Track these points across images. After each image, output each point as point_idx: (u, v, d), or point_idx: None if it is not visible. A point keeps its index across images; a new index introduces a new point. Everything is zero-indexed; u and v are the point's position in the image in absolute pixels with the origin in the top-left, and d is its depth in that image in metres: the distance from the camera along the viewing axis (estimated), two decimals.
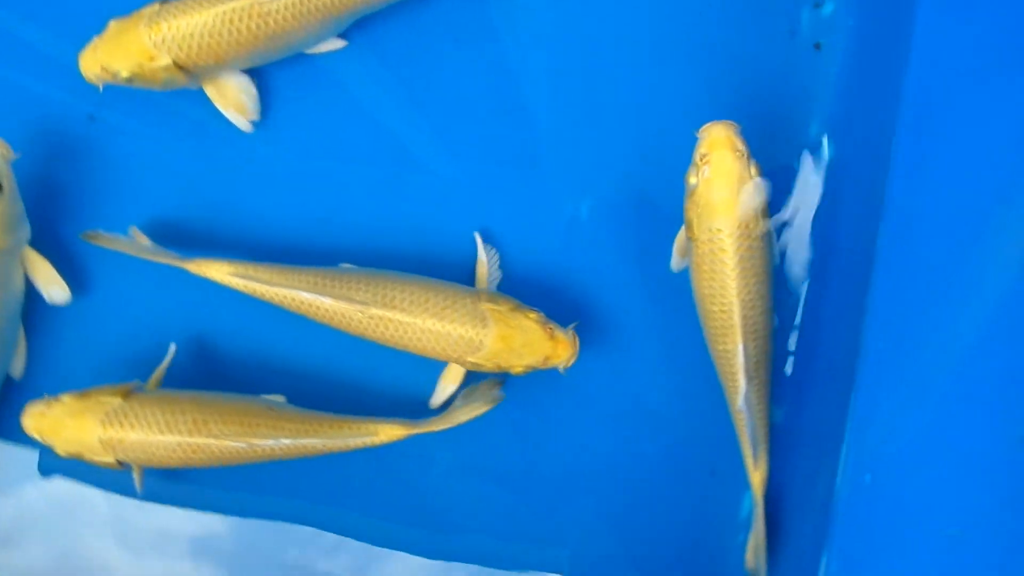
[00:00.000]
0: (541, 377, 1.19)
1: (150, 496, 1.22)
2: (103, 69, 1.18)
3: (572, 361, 1.13)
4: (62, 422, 1.12)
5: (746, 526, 1.18)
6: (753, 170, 1.03)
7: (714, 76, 1.22)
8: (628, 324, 1.22)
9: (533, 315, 1.13)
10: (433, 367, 1.20)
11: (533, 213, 1.24)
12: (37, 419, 1.13)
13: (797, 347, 1.17)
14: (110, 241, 1.21)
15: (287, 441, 1.13)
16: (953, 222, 0.98)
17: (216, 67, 1.20)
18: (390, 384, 1.24)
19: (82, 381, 1.19)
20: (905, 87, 1.06)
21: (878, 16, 1.18)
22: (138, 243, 1.21)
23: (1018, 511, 0.86)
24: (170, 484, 1.24)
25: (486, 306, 1.12)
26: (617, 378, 1.22)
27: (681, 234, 1.11)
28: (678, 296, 1.17)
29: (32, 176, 1.25)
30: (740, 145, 1.03)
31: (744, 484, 1.17)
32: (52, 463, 1.24)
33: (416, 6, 1.25)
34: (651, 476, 1.22)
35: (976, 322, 0.95)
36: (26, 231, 1.21)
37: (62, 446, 1.13)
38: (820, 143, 1.19)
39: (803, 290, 1.18)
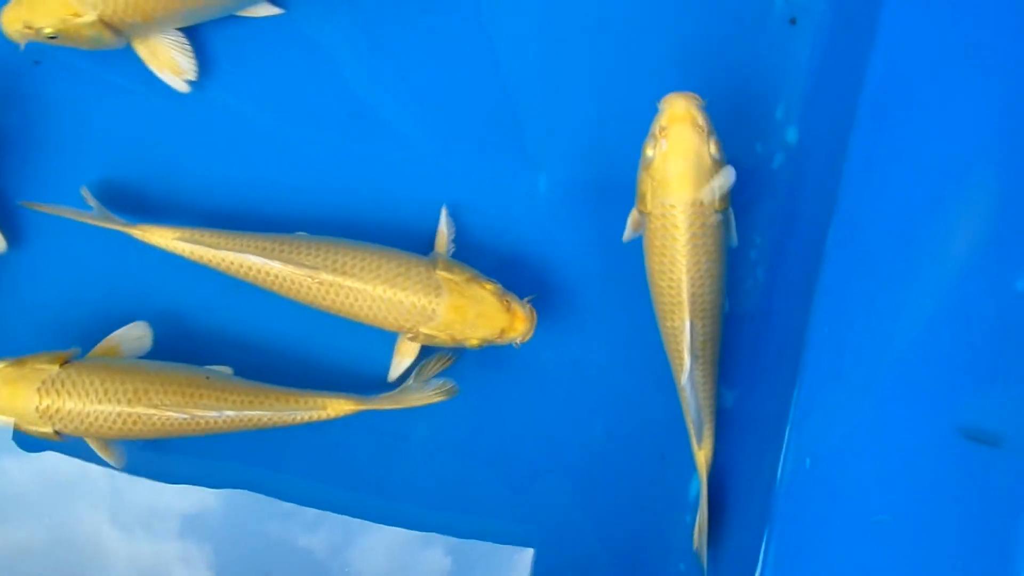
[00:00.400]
0: (498, 355, 1.18)
1: (138, 470, 1.21)
2: (25, 26, 1.12)
3: (528, 335, 1.11)
4: None
5: (694, 507, 1.18)
6: (713, 147, 1.00)
7: (684, 49, 1.20)
8: (584, 301, 1.21)
9: (490, 286, 1.10)
10: (387, 341, 1.18)
11: (492, 185, 1.21)
12: None
13: (750, 332, 1.17)
14: (52, 209, 1.17)
15: (231, 413, 1.11)
16: (903, 217, 0.98)
17: (145, 26, 1.14)
18: (343, 358, 1.22)
19: (16, 347, 1.14)
20: (868, 73, 1.06)
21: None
22: (84, 209, 1.17)
23: (947, 502, 0.87)
24: (158, 456, 1.21)
25: (441, 274, 1.10)
26: (572, 357, 1.21)
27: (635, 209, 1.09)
28: (635, 273, 1.15)
29: None
30: (701, 120, 1.00)
31: (693, 467, 1.17)
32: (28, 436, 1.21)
33: None
34: (605, 456, 1.22)
35: (918, 317, 0.95)
36: None
37: None
38: (785, 127, 1.19)
39: (758, 275, 1.17)
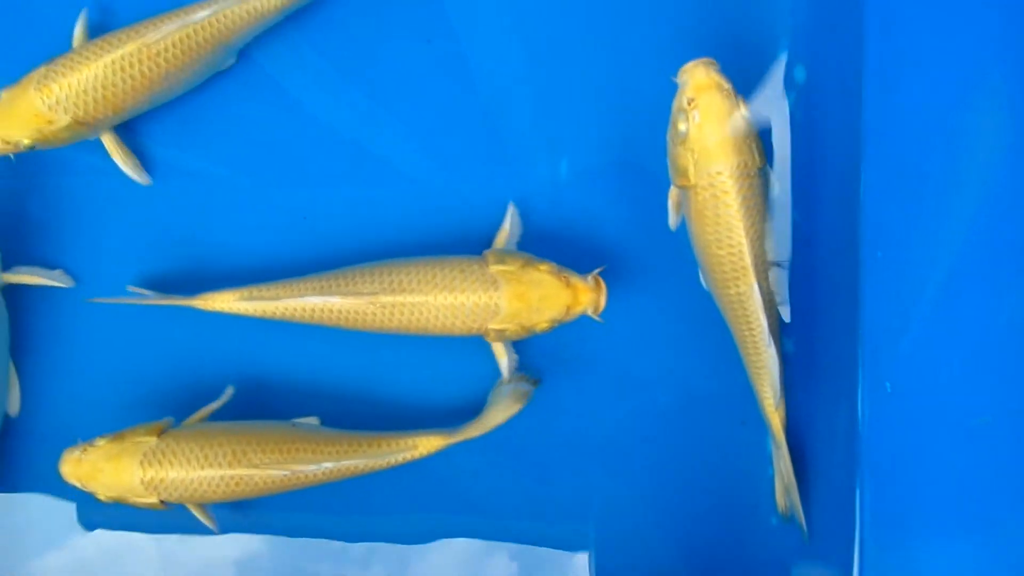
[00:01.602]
0: (553, 351, 1.21)
1: (191, 529, 1.24)
2: (4, 142, 1.16)
3: (601, 305, 1.12)
4: (100, 467, 1.13)
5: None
6: (742, 107, 1.02)
7: (680, 11, 1.21)
8: (625, 283, 1.22)
9: (544, 267, 1.12)
10: (460, 373, 1.22)
11: (515, 174, 1.23)
12: (74, 466, 1.14)
13: (798, 277, 1.17)
14: (118, 300, 1.22)
15: (329, 464, 1.14)
16: (932, 126, 0.98)
17: (116, 117, 1.18)
18: (420, 394, 1.25)
19: (108, 424, 1.19)
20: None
21: None
22: (141, 295, 1.21)
23: None
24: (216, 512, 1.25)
25: (495, 268, 1.11)
26: (620, 340, 1.23)
27: (674, 189, 1.09)
28: (669, 249, 1.18)
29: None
30: (725, 83, 1.02)
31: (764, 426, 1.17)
32: (93, 515, 1.25)
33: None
34: (673, 438, 1.23)
35: (964, 216, 0.96)
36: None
37: (103, 491, 1.14)
38: (792, 67, 1.21)
39: (794, 217, 1.19)
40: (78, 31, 1.21)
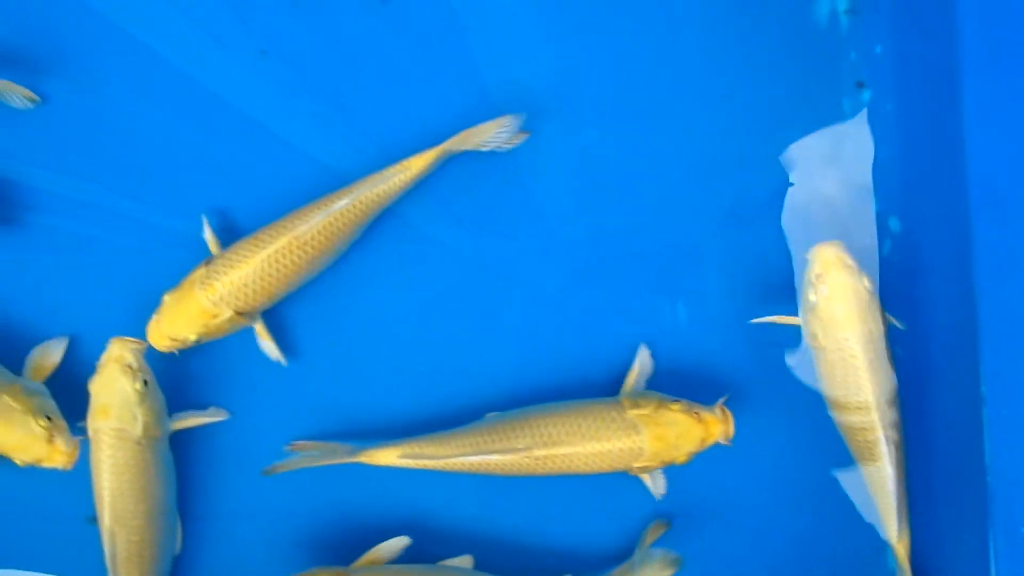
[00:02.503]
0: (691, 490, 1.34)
1: None
2: (172, 339, 1.29)
3: (730, 434, 1.24)
4: None
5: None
6: (866, 281, 1.17)
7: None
8: (751, 406, 1.34)
9: (676, 406, 1.25)
10: (606, 513, 1.35)
11: (637, 317, 1.36)
12: None
13: (911, 413, 1.28)
14: (288, 465, 1.33)
15: None
16: None
17: (270, 304, 1.33)
18: (565, 535, 1.36)
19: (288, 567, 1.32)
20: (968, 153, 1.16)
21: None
22: (309, 455, 1.33)
23: None
24: None
25: (631, 413, 1.24)
26: (750, 463, 1.35)
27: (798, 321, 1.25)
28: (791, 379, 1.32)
29: None
30: (849, 261, 1.17)
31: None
32: None
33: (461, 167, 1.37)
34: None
35: None
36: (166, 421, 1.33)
37: None
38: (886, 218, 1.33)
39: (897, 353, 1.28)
40: (209, 234, 1.35)
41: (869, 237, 1.32)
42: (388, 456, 1.30)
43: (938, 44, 1.20)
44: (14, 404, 1.25)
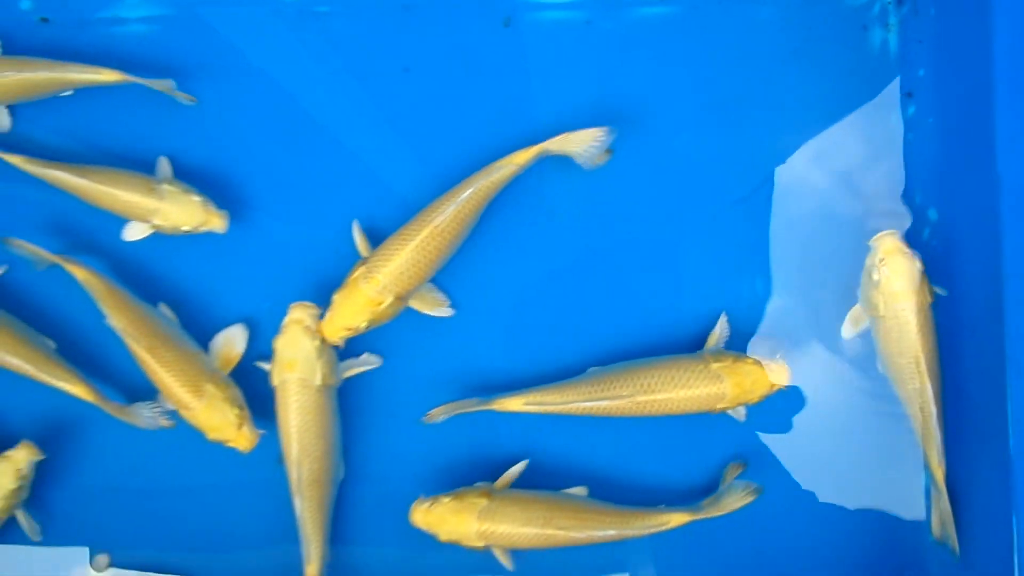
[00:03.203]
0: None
1: None
2: (346, 329, 1.50)
3: (790, 381, 1.55)
4: (445, 518, 1.49)
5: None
6: (918, 262, 1.48)
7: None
8: (809, 364, 1.63)
9: (750, 360, 1.55)
10: (692, 451, 1.63)
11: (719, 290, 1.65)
12: (425, 515, 1.49)
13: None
14: (440, 414, 1.57)
15: (611, 531, 1.53)
16: None
17: (420, 285, 1.56)
18: (664, 472, 1.64)
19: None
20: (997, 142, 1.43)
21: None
22: (457, 403, 1.58)
23: None
24: None
25: (715, 366, 1.54)
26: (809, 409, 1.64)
27: (856, 310, 1.55)
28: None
29: None
30: (905, 248, 1.48)
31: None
32: None
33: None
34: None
35: None
36: (337, 371, 1.55)
37: (445, 536, 1.49)
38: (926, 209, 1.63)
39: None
40: (359, 237, 1.59)
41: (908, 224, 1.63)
42: (515, 403, 1.56)
43: (973, 69, 1.49)
44: (217, 392, 1.50)
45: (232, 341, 1.57)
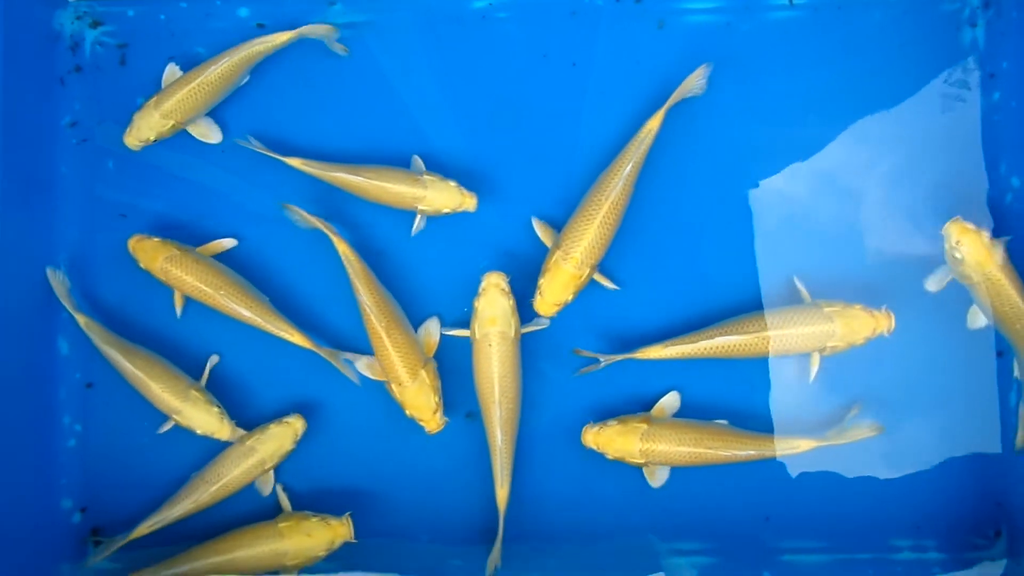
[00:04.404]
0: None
1: None
2: (556, 305, 1.76)
3: (893, 327, 1.83)
4: (613, 439, 1.75)
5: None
6: (984, 233, 1.78)
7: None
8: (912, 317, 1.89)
9: (858, 306, 1.84)
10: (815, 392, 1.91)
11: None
12: (596, 436, 1.74)
13: None
14: (593, 366, 1.81)
15: (752, 452, 1.84)
16: None
17: (604, 255, 1.78)
18: (784, 408, 1.92)
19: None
20: None
21: None
22: (597, 361, 1.79)
23: None
24: None
25: (827, 309, 1.84)
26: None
27: (940, 271, 1.85)
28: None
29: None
30: (970, 226, 1.78)
31: None
32: None
33: None
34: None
35: None
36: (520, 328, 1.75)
37: (612, 453, 1.74)
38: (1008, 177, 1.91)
39: None
40: (540, 228, 1.80)
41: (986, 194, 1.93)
42: (656, 351, 1.80)
43: None
44: (426, 379, 1.73)
45: (430, 331, 1.82)
